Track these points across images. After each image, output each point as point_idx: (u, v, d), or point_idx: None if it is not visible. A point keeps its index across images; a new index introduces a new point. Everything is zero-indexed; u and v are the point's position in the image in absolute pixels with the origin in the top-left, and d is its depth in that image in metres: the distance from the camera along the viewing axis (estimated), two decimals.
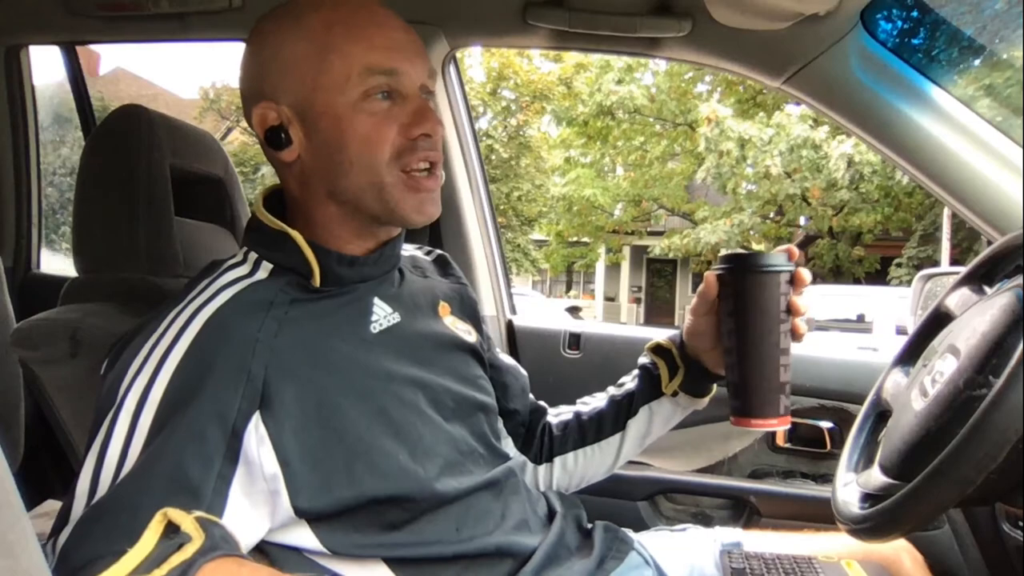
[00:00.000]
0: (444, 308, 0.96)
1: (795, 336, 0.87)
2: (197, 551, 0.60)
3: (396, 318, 0.85)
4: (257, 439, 0.70)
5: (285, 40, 0.80)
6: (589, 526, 0.99)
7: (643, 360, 1.04)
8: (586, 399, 1.08)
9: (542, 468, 1.05)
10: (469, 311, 1.01)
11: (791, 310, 0.86)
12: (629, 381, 1.05)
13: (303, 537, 0.75)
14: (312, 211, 0.83)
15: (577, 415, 1.05)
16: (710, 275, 0.89)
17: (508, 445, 1.03)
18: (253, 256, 0.82)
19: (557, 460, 1.04)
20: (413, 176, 0.80)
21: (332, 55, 0.78)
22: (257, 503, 0.71)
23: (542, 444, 1.05)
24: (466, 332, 0.96)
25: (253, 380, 0.71)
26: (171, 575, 0.59)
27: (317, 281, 0.80)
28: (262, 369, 0.71)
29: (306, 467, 0.72)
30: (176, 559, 0.59)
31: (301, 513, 0.73)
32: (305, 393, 0.73)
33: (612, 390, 1.06)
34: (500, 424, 1.01)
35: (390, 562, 0.78)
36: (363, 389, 0.77)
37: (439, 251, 1.04)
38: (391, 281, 0.89)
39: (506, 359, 1.07)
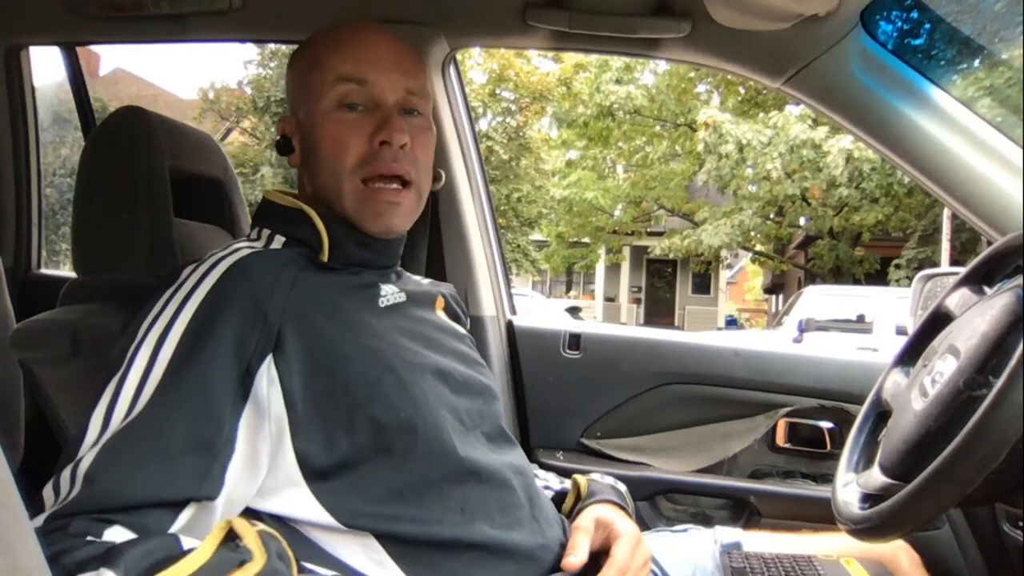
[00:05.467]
0: (439, 302, 1.02)
1: None
2: (258, 574, 0.59)
3: (402, 297, 0.91)
4: (268, 380, 0.73)
5: (296, 60, 0.91)
6: None
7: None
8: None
9: None
10: (455, 316, 1.05)
11: None
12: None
13: (301, 500, 0.74)
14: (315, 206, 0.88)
15: None
16: None
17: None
18: (266, 232, 0.87)
19: None
20: (371, 187, 0.84)
21: (315, 67, 0.86)
22: (261, 441, 0.72)
23: None
24: (458, 328, 1.01)
25: (269, 323, 0.74)
26: None
27: (326, 255, 0.84)
28: (278, 314, 0.75)
29: (309, 413, 0.74)
30: None
31: (301, 459, 0.73)
32: (316, 342, 0.76)
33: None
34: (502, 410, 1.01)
35: (385, 538, 0.76)
36: (372, 347, 0.80)
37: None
38: (393, 276, 0.95)
39: None
